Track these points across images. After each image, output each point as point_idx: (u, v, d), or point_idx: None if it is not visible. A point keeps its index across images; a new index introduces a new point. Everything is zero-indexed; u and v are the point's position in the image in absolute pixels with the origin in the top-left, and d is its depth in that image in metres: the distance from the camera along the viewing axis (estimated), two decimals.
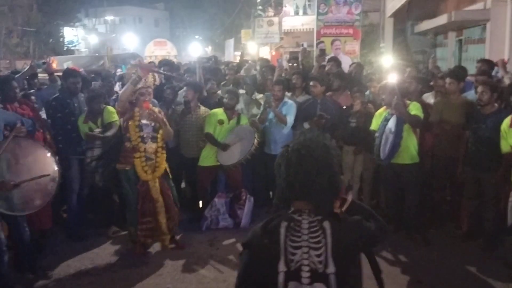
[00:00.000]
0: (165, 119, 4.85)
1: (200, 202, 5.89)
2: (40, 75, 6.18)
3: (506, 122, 4.47)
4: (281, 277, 1.71)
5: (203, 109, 5.97)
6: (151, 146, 4.75)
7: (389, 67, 6.25)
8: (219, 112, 5.78)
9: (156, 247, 5.02)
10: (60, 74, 5.94)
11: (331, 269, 1.69)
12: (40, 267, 4.55)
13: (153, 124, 4.77)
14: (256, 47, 20.28)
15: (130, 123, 4.72)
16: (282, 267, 1.71)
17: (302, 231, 1.74)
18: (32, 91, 6.27)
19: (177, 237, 5.19)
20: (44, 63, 6.41)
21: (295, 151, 1.80)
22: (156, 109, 4.89)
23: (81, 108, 5.41)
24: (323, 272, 1.69)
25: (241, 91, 6.47)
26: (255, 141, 5.45)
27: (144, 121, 4.74)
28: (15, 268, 4.41)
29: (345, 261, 1.71)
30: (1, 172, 3.97)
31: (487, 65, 6.20)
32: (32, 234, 4.70)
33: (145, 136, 4.72)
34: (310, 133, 1.87)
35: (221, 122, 5.71)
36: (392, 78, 5.04)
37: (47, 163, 4.25)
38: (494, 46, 10.71)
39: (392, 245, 4.88)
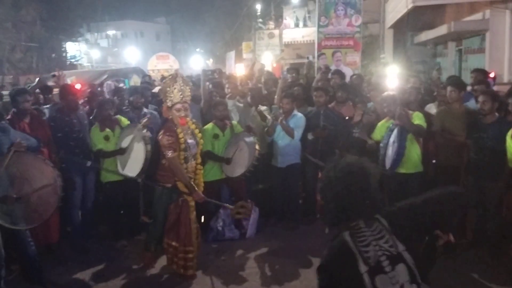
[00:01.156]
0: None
1: (202, 217, 5.91)
2: (55, 90, 6.21)
3: (510, 134, 4.53)
4: (366, 277, 1.85)
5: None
6: (192, 164, 4.56)
7: (391, 77, 6.34)
8: (211, 127, 5.67)
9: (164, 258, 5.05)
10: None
11: (401, 247, 1.89)
12: (48, 280, 4.58)
13: (195, 141, 4.57)
14: (270, 57, 20.13)
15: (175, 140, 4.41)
16: (363, 268, 1.87)
17: (363, 230, 1.95)
18: (47, 106, 6.28)
19: None
20: (53, 75, 6.43)
21: (339, 179, 2.01)
22: (193, 124, 4.73)
23: (82, 123, 5.42)
24: (397, 253, 1.88)
25: (237, 104, 6.45)
26: (257, 146, 5.38)
27: (189, 140, 4.51)
28: (24, 280, 4.46)
29: (409, 238, 1.91)
30: (5, 186, 4.00)
31: (482, 75, 6.29)
32: (39, 248, 4.77)
33: (188, 156, 4.49)
34: (348, 158, 2.11)
35: (216, 136, 5.62)
36: (394, 89, 5.11)
37: (48, 176, 4.26)
38: (493, 55, 10.83)
39: None
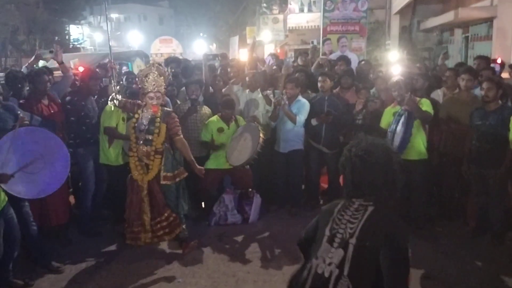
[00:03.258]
0: (179, 130, 4.76)
1: (203, 203, 5.94)
2: (56, 73, 6.15)
3: None
4: (324, 239, 2.14)
5: (205, 108, 6.01)
6: (142, 148, 4.68)
7: (397, 63, 6.28)
8: (216, 119, 5.71)
9: (165, 242, 5.07)
10: (61, 73, 5.89)
11: (353, 240, 2.04)
12: (52, 261, 4.61)
13: (147, 127, 4.67)
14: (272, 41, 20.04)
15: (130, 123, 4.81)
16: (327, 231, 2.15)
17: (351, 209, 2.14)
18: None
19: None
20: (51, 51, 6.35)
21: (358, 156, 2.11)
22: (171, 112, 4.85)
23: (95, 110, 5.40)
24: (347, 241, 2.06)
25: (236, 88, 6.43)
26: (261, 134, 5.36)
27: (143, 122, 4.69)
28: (28, 260, 4.49)
29: (367, 240, 2.02)
30: (14, 162, 3.97)
31: (484, 62, 6.22)
32: (47, 229, 4.82)
33: (139, 137, 4.69)
34: (370, 138, 2.20)
35: (221, 130, 5.64)
36: (402, 74, 5.07)
37: (57, 151, 4.31)
38: (500, 43, 10.70)
39: None
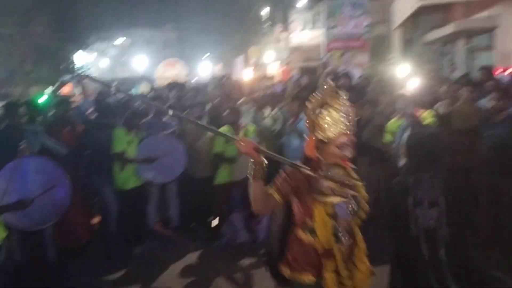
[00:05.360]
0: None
1: (216, 220, 5.93)
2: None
3: None
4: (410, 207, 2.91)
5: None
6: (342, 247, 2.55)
7: (406, 78, 6.31)
8: (225, 130, 5.70)
9: (178, 266, 5.08)
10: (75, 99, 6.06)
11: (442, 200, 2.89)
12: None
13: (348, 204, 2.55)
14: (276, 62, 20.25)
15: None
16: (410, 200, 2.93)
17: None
18: None
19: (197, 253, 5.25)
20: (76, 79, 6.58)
21: (418, 139, 3.08)
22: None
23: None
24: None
25: (244, 108, 6.49)
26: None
27: (340, 201, 2.53)
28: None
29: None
30: (17, 191, 4.01)
31: (488, 73, 6.25)
32: (65, 249, 4.89)
33: (337, 228, 2.52)
34: (423, 128, 3.08)
35: (228, 140, 5.62)
36: (409, 88, 5.10)
37: (56, 177, 4.33)
38: (502, 52, 10.73)
39: None
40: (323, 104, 2.53)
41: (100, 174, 5.36)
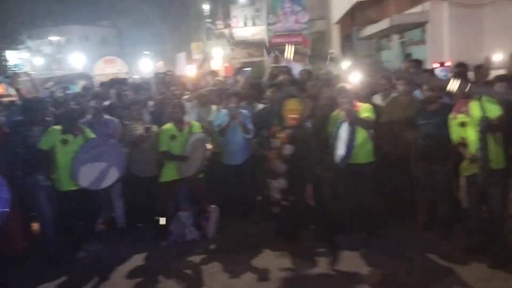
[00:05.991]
0: None
1: (164, 218, 5.85)
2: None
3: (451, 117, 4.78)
4: None
5: (154, 127, 5.99)
6: None
7: (343, 71, 6.49)
8: (169, 127, 5.70)
9: (126, 267, 4.97)
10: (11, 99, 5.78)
11: None
12: None
13: None
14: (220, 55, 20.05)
15: None
16: None
17: None
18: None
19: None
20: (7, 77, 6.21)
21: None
22: None
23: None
24: None
25: (189, 104, 6.46)
26: (207, 145, 5.46)
27: None
28: None
29: None
30: None
31: (416, 65, 6.61)
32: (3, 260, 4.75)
33: None
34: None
35: (173, 137, 5.63)
36: (352, 82, 5.27)
37: None
38: (434, 46, 11.29)
39: (353, 243, 5.09)
40: None
41: (31, 175, 5.11)
